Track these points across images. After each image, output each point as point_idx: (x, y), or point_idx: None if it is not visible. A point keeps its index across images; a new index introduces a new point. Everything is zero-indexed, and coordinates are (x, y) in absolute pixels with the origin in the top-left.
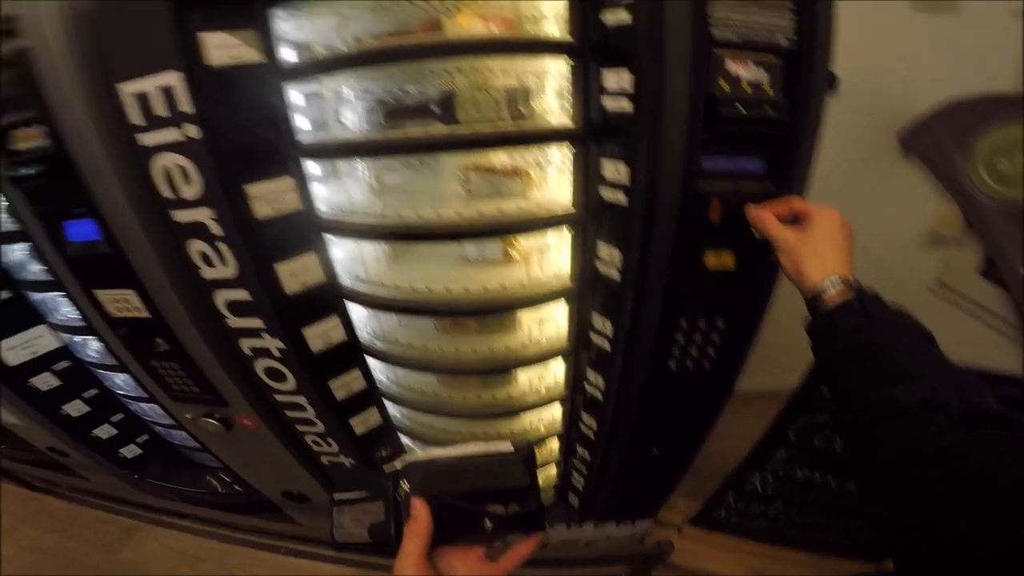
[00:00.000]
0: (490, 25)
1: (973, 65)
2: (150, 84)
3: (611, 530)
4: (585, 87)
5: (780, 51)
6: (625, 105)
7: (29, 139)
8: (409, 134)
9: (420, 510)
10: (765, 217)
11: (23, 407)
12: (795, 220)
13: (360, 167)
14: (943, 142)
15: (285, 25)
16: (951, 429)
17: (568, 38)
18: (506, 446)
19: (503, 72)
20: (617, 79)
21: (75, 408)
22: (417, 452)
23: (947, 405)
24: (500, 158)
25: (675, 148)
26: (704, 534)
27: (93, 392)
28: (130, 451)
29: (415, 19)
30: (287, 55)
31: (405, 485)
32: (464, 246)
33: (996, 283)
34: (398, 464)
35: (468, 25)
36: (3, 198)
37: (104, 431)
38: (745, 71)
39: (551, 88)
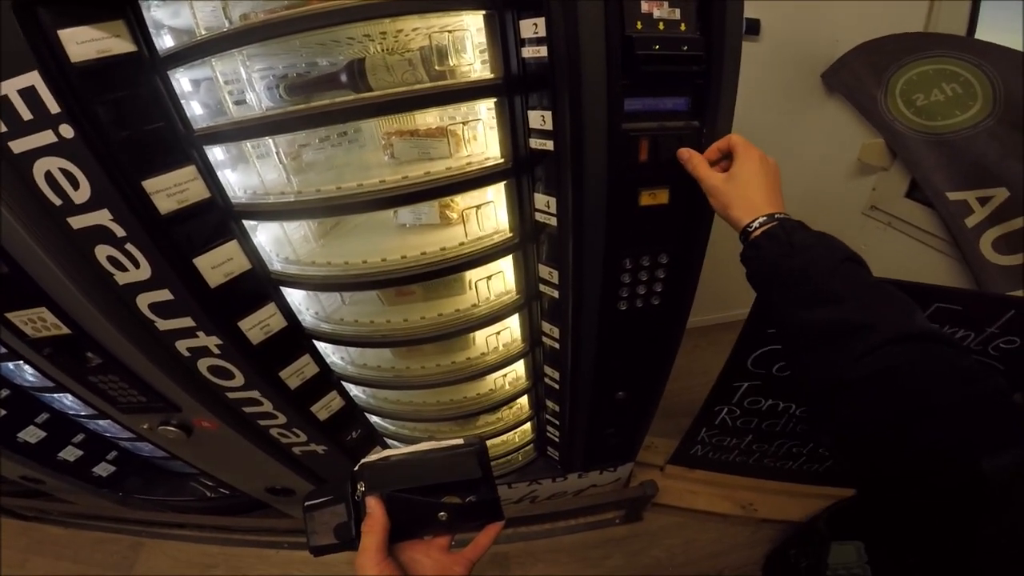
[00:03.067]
0: None
1: (887, 7)
2: (9, 88)
3: (595, 478)
4: (503, 39)
5: None
6: (543, 54)
7: None
8: (312, 106)
9: (374, 508)
10: (694, 160)
11: None
12: (726, 157)
13: (271, 146)
14: (864, 79)
15: (160, 12)
16: (878, 350)
17: None
18: (458, 440)
19: (416, 33)
20: (534, 28)
21: (31, 435)
22: (373, 454)
23: (873, 325)
24: (425, 120)
25: (596, 93)
26: (686, 471)
27: (45, 416)
28: (103, 469)
29: None
30: (166, 41)
31: (361, 486)
32: (398, 213)
33: (921, 203)
34: (356, 466)
35: None
36: None
37: (69, 453)
38: (659, 10)
39: (469, 44)
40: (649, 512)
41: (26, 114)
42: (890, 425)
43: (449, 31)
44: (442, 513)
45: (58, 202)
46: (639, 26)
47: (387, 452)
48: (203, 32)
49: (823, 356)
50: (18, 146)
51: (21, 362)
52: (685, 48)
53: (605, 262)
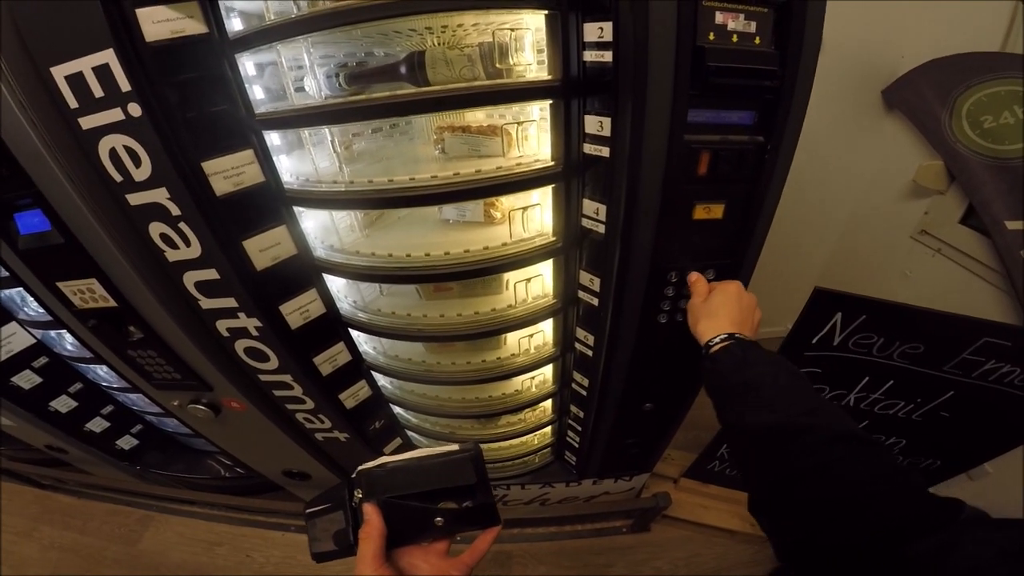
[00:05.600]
0: None
1: (960, 24)
2: (84, 65)
3: (608, 485)
4: (564, 41)
5: (772, 3)
6: (607, 58)
7: None
8: (373, 97)
9: (371, 514)
10: (699, 282)
11: (11, 407)
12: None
13: (327, 134)
14: (927, 98)
15: None
16: (814, 450)
17: None
18: (453, 447)
19: (476, 29)
20: (599, 32)
21: (63, 404)
22: (370, 462)
23: (811, 427)
24: (476, 117)
25: (661, 102)
26: (700, 486)
27: (78, 386)
28: (126, 442)
29: None
30: (235, 24)
31: (358, 492)
32: (442, 210)
33: (976, 230)
34: (354, 473)
35: None
36: None
37: (96, 424)
38: (734, 23)
39: (528, 44)
40: (657, 523)
41: (97, 91)
42: (824, 514)
43: (510, 29)
44: (439, 519)
45: (119, 179)
46: (712, 37)
47: (383, 459)
48: (272, 16)
49: (767, 455)
50: (87, 122)
51: (64, 331)
52: (759, 63)
53: (651, 274)
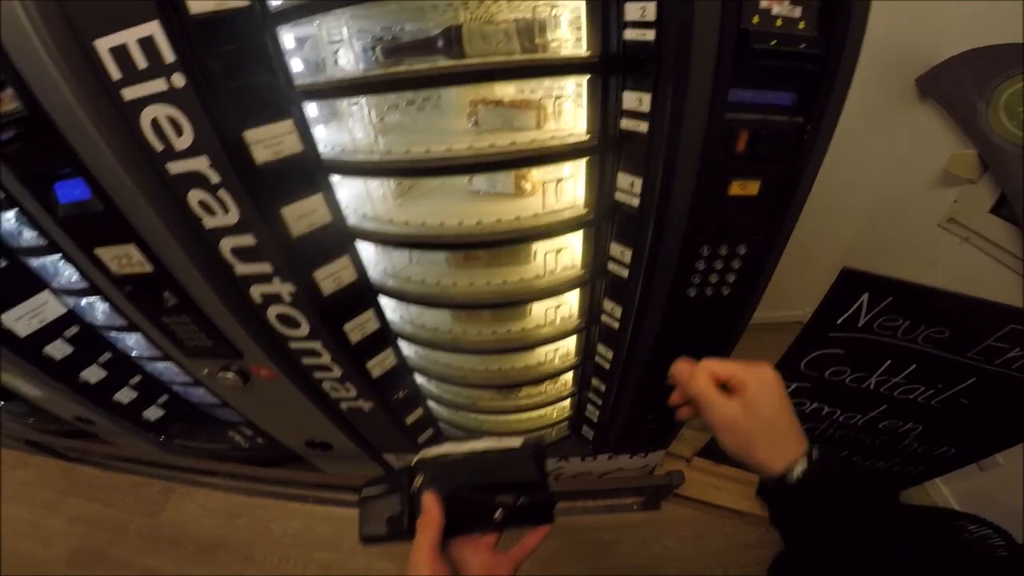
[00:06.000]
0: None
1: (999, 13)
2: (129, 37)
3: (623, 461)
4: (604, 19)
5: None
6: (649, 37)
7: (1, 103)
8: (412, 69)
9: (432, 504)
10: (700, 382)
11: (42, 378)
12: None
13: (364, 106)
14: (965, 87)
15: None
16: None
17: None
18: (516, 441)
19: (509, 6)
20: (641, 11)
21: (93, 374)
22: (431, 449)
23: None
24: (509, 91)
25: (702, 81)
26: (712, 465)
27: (108, 356)
28: (152, 413)
29: None
30: None
31: (419, 480)
32: (473, 180)
33: (1007, 220)
34: (414, 460)
35: None
36: None
37: (124, 395)
38: (779, 7)
39: (564, 19)
40: (667, 502)
41: (141, 63)
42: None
43: (550, 5)
44: (496, 513)
45: (160, 148)
46: (756, 20)
47: (445, 448)
48: None
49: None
50: (129, 93)
51: (95, 299)
52: (803, 47)
53: (683, 247)
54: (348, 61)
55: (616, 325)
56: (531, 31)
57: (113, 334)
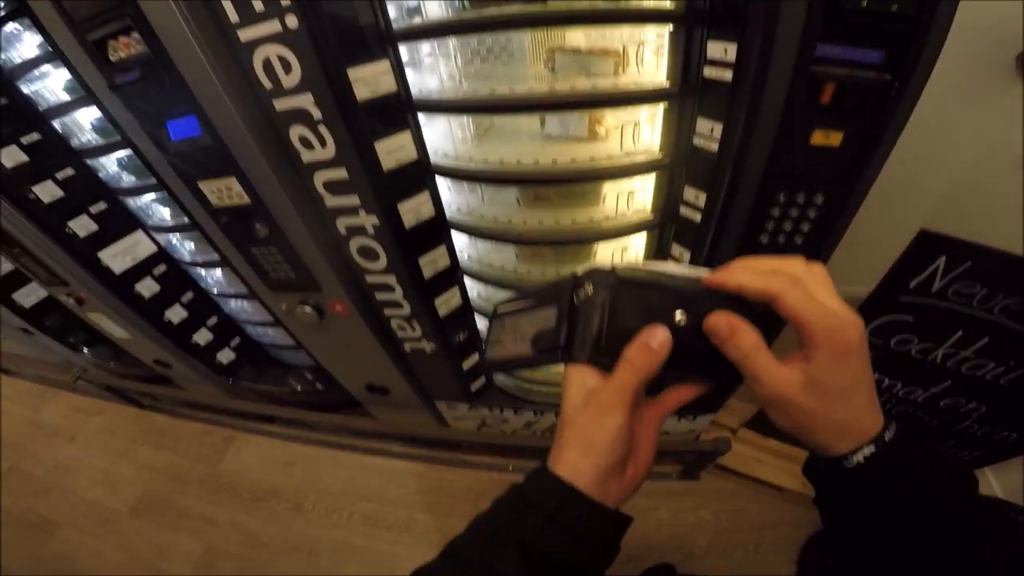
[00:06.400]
0: None
1: None
2: None
3: (671, 423)
4: None
5: None
6: None
7: (126, 47)
8: (506, 12)
9: (660, 332)
10: (746, 343)
11: (132, 317)
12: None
13: (451, 49)
14: None
15: None
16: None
17: None
18: (704, 272)
19: None
20: None
21: (175, 314)
22: (597, 265)
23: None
24: (590, 38)
25: (791, 34)
26: (759, 438)
27: (190, 296)
28: (225, 356)
29: None
30: None
31: (588, 287)
32: (547, 123)
33: None
34: (580, 271)
35: None
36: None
37: (202, 336)
38: None
39: None
40: (707, 473)
41: (259, 6)
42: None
43: None
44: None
45: (269, 86)
46: None
47: (618, 265)
48: None
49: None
50: (245, 35)
51: (188, 235)
52: (895, 8)
53: (759, 192)
54: (439, 4)
55: None
56: None
57: (198, 271)
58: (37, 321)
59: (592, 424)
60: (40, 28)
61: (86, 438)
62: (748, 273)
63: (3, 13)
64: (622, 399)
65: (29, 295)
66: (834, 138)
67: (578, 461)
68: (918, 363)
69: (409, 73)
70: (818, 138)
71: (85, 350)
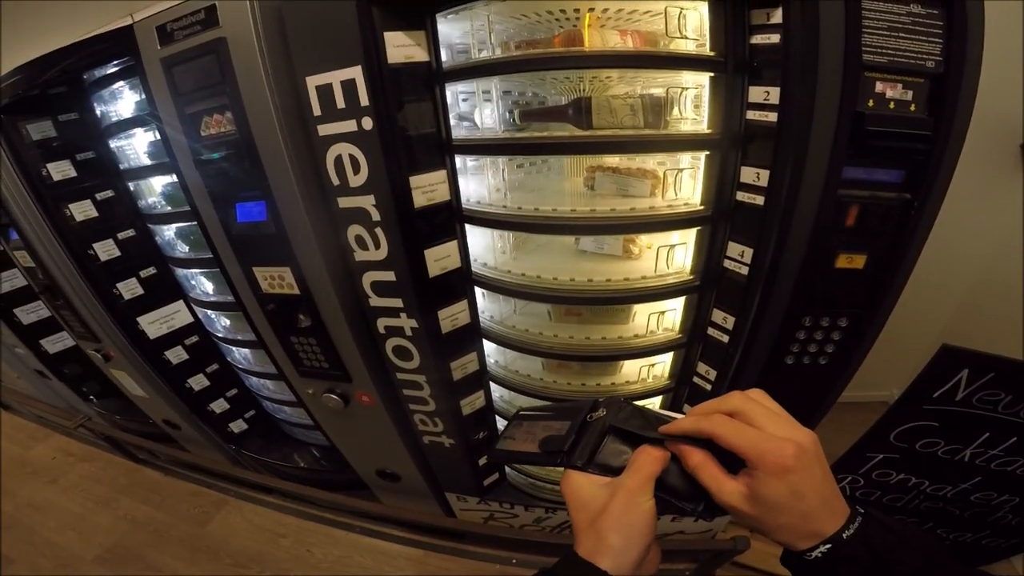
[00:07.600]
0: (626, 38)
1: None
2: (335, 78)
3: (686, 524)
4: (728, 99)
5: (927, 74)
6: (771, 118)
7: (218, 125)
8: (552, 135)
9: (655, 450)
10: (695, 458)
11: (155, 380)
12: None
13: (500, 164)
14: None
15: (444, 28)
16: None
17: (711, 54)
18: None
19: (640, 82)
20: (765, 95)
21: (198, 382)
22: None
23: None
24: (624, 159)
25: (819, 159)
26: None
27: (215, 367)
28: (237, 426)
29: (554, 28)
30: (444, 56)
31: (601, 411)
32: (580, 241)
33: None
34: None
35: (604, 38)
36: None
37: (218, 406)
38: (892, 91)
39: (689, 100)
40: (723, 570)
41: (340, 103)
42: None
43: (682, 87)
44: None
45: (336, 182)
46: (871, 104)
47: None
48: (478, 54)
49: None
50: (324, 130)
51: (224, 313)
52: (914, 128)
53: (786, 316)
54: (491, 120)
55: (709, 387)
56: (656, 107)
57: (227, 346)
58: (56, 368)
59: (628, 511)
60: (147, 90)
61: (69, 482)
62: (689, 420)
63: (117, 70)
64: (647, 485)
65: (56, 343)
66: (858, 261)
67: (622, 545)
68: (946, 463)
69: (460, 182)
70: (843, 261)
71: (94, 399)
